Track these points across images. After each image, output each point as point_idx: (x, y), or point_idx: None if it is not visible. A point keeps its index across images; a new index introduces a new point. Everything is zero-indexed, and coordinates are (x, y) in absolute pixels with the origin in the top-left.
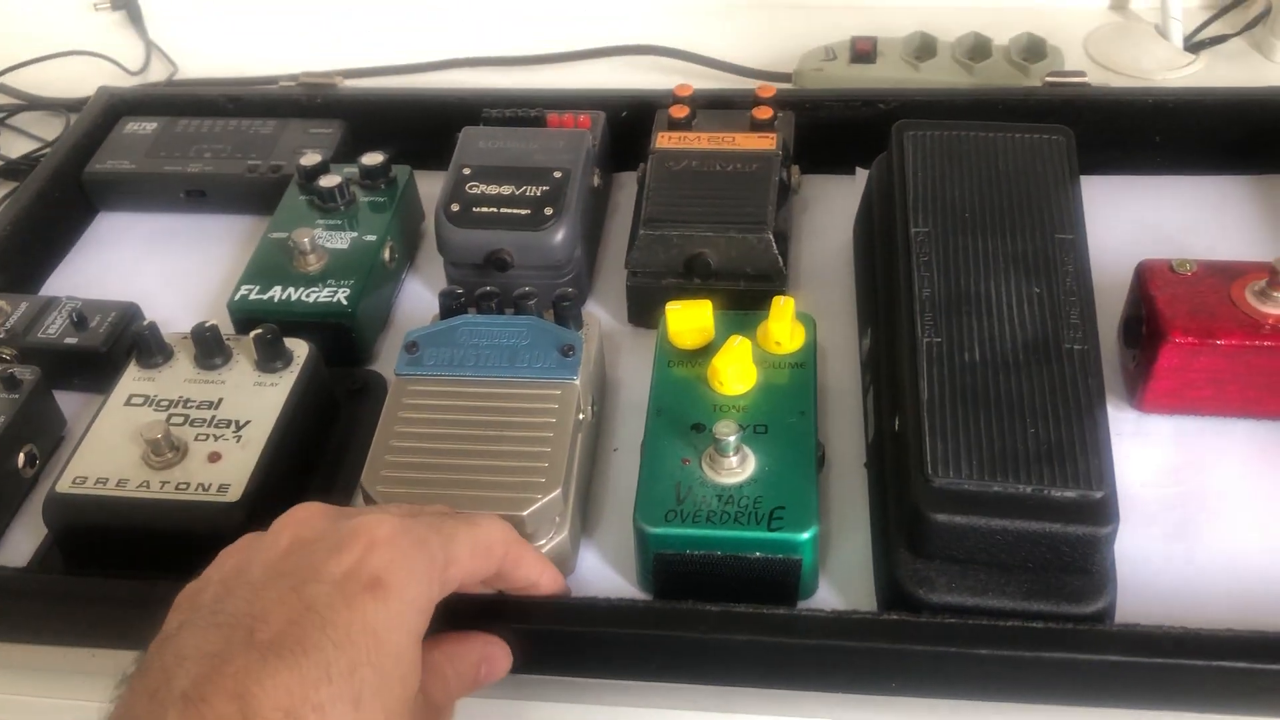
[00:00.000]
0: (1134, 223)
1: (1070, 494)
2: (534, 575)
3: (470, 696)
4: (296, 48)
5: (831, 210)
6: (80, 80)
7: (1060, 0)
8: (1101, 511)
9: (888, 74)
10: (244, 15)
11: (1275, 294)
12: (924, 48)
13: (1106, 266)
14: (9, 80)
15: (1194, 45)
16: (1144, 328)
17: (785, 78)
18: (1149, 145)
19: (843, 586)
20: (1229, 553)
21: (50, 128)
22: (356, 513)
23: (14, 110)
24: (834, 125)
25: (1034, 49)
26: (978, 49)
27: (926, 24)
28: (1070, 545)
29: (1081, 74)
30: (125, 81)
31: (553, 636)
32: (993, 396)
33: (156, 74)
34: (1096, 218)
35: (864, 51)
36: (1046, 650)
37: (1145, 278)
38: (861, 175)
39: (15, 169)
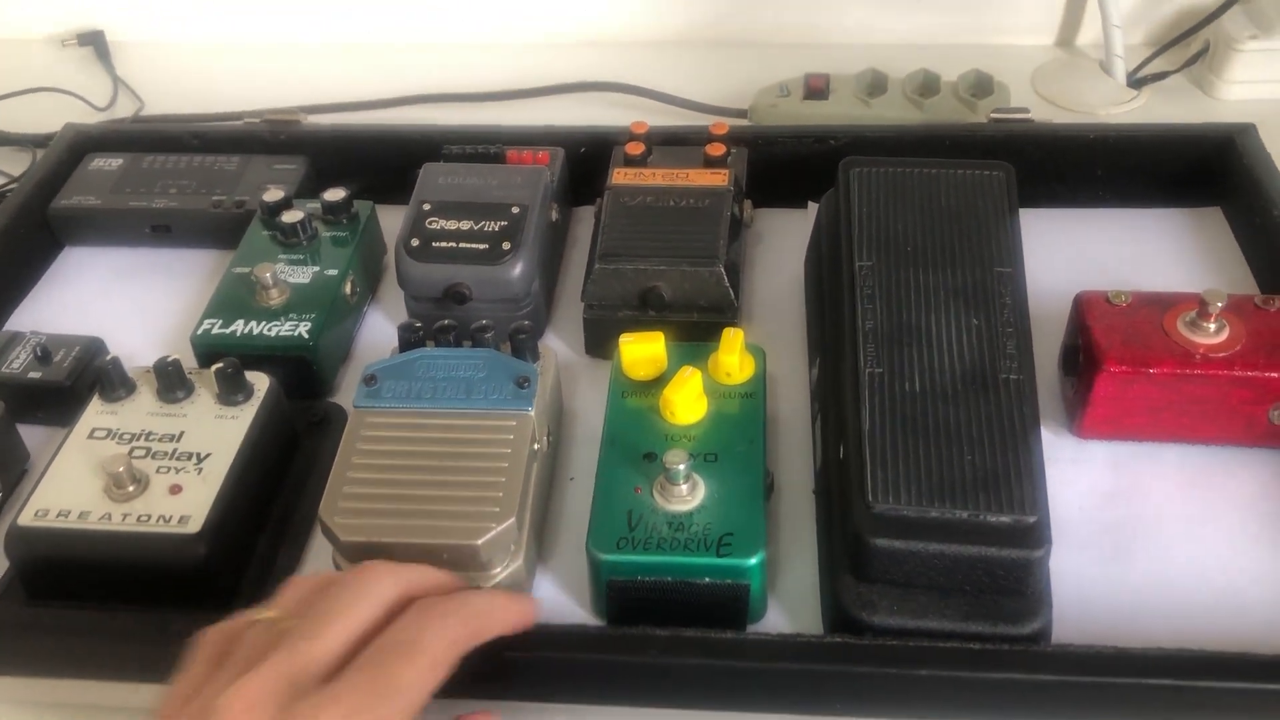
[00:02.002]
0: (1076, 255)
1: (1005, 519)
2: (508, 624)
3: None
4: (261, 84)
5: (784, 244)
6: (47, 116)
7: (1007, 36)
8: (1034, 535)
9: (840, 110)
10: (210, 52)
11: (1204, 324)
12: (875, 84)
13: (1048, 297)
14: None
15: (1136, 81)
16: (1081, 357)
17: (741, 113)
18: (1092, 179)
19: (791, 610)
20: (1163, 573)
21: (16, 163)
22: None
23: None
24: (787, 160)
25: (982, 85)
26: (927, 85)
27: (878, 61)
28: (1005, 568)
29: (1025, 110)
30: (92, 117)
31: (506, 662)
32: (931, 425)
33: (123, 110)
34: (1040, 250)
35: (817, 88)
36: (984, 671)
37: (1083, 309)
38: (813, 209)
39: None
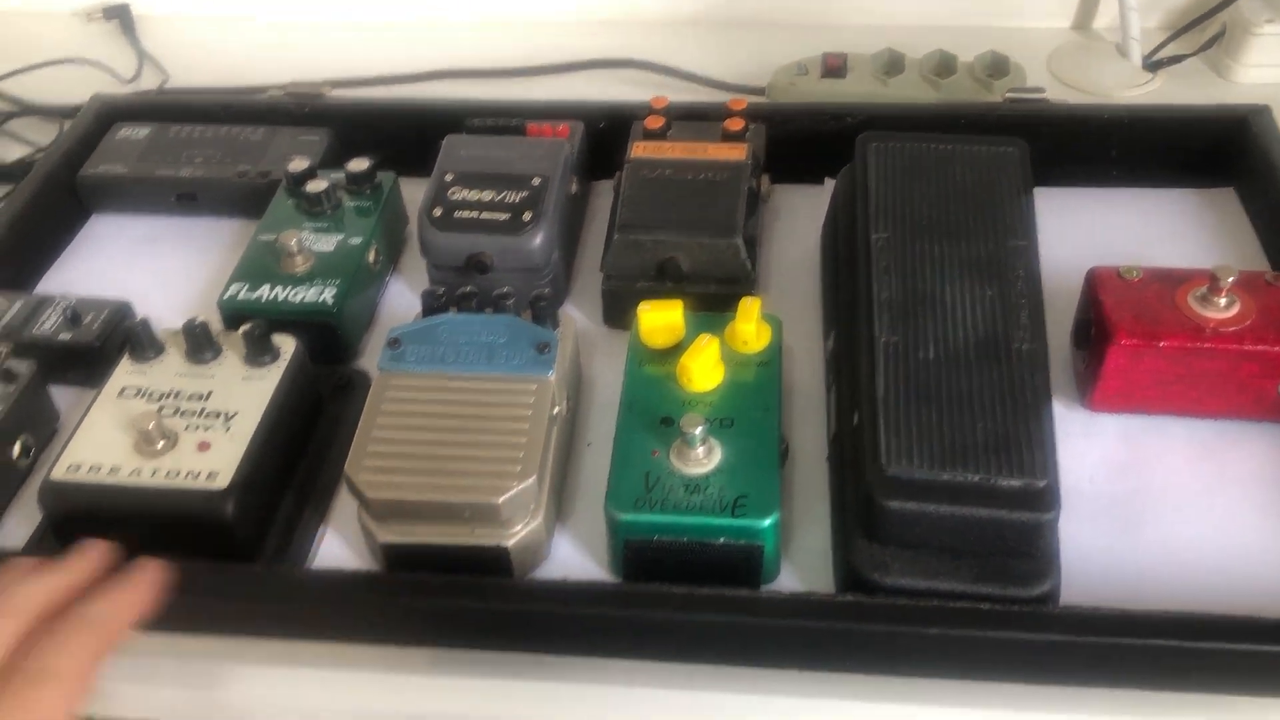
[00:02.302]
0: (1089, 234)
1: (1015, 483)
2: (133, 618)
3: (443, 675)
4: (284, 59)
5: (801, 218)
6: (75, 87)
7: (1024, 20)
8: (1044, 499)
9: (857, 89)
10: (234, 27)
11: (1215, 299)
12: (892, 64)
13: (1061, 274)
14: (5, 87)
15: (1152, 64)
16: (1093, 330)
17: (759, 91)
18: (1106, 159)
19: (804, 572)
20: (1170, 544)
21: (45, 133)
22: None
23: (9, 116)
24: (804, 137)
25: (997, 66)
26: (943, 66)
27: (895, 42)
28: (1015, 530)
29: (1041, 90)
30: (118, 89)
31: (525, 616)
32: (945, 392)
33: (148, 82)
34: (1054, 228)
35: (835, 67)
36: (993, 630)
37: (1094, 284)
38: (829, 185)
39: (11, 173)
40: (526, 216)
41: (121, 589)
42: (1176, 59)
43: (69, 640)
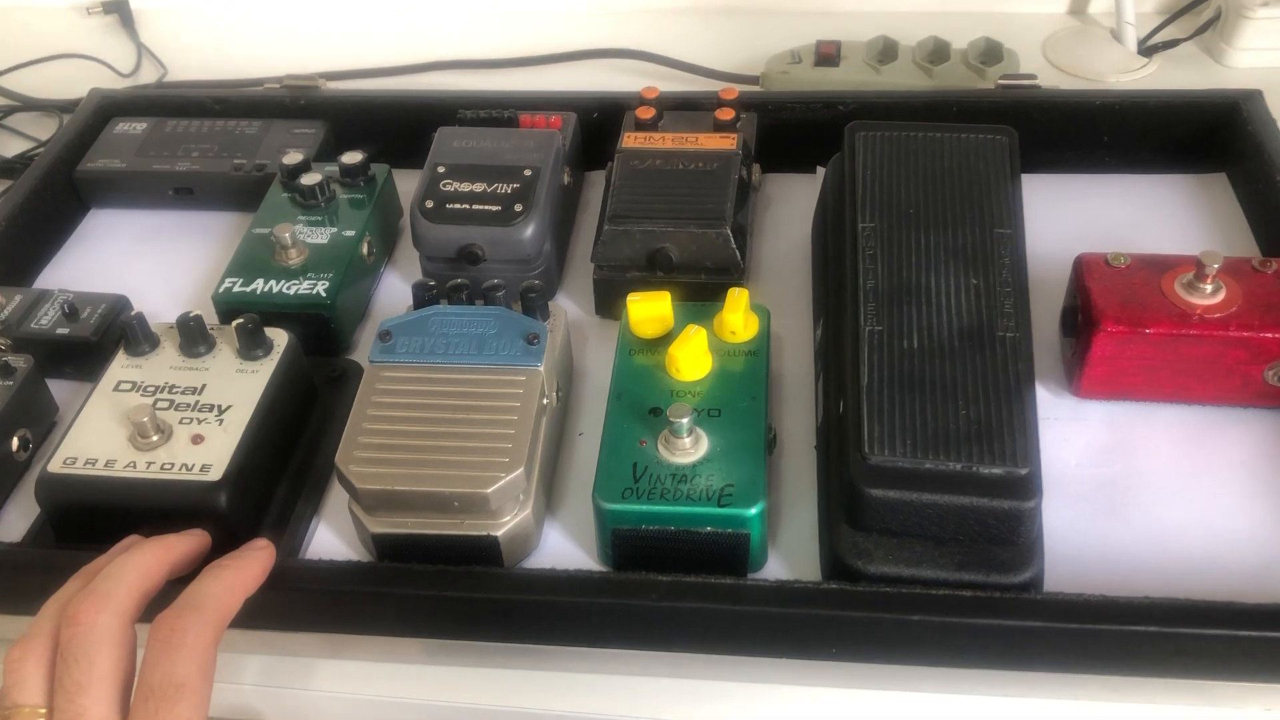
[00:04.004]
0: (1081, 220)
1: (997, 470)
2: (253, 586)
3: (433, 664)
4: (281, 51)
5: (793, 207)
6: (73, 82)
7: (1019, 5)
8: (1025, 487)
9: (850, 77)
10: (231, 20)
11: (1202, 286)
12: (886, 51)
13: (1052, 261)
14: (4, 82)
15: (1147, 49)
16: (1079, 317)
17: (753, 80)
18: (1097, 145)
19: (791, 560)
20: (1156, 529)
21: (44, 128)
22: None
23: (9, 111)
24: (796, 125)
25: (991, 52)
26: (937, 52)
27: (889, 28)
28: (997, 518)
29: (1032, 76)
30: (116, 83)
31: (514, 605)
32: (928, 381)
33: (147, 76)
34: (1045, 215)
35: (828, 55)
36: (975, 617)
37: (1082, 270)
38: (821, 174)
39: (10, 167)
40: (518, 208)
41: (229, 568)
42: (1171, 43)
43: (188, 637)
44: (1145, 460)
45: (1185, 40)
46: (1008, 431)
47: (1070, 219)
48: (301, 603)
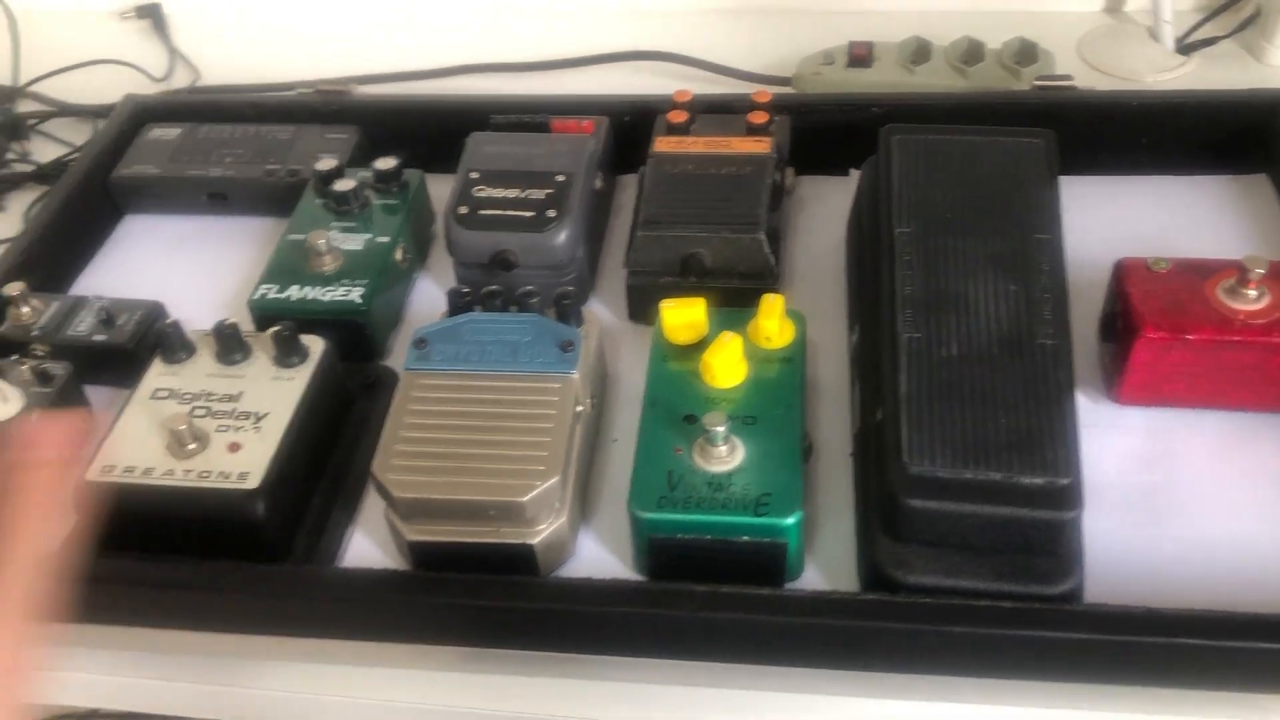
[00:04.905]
0: (1119, 222)
1: (1038, 480)
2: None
3: (469, 673)
4: (313, 56)
5: (826, 210)
6: (107, 88)
7: (1054, 4)
8: (1067, 497)
9: (884, 78)
10: (264, 25)
11: (1245, 291)
12: (919, 52)
13: (1091, 265)
14: (40, 88)
15: (1185, 47)
16: (1120, 323)
17: (785, 81)
18: (1136, 146)
19: (828, 570)
20: (1197, 539)
21: (79, 133)
22: None
23: (45, 117)
24: (829, 128)
25: (1026, 53)
26: (971, 53)
27: (922, 29)
28: (1037, 529)
29: (1069, 77)
30: (150, 88)
31: (549, 614)
32: (968, 389)
33: (180, 81)
34: (1083, 218)
35: (861, 56)
36: (1016, 628)
37: (1122, 275)
38: (855, 176)
39: (46, 174)
40: (551, 214)
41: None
42: (1210, 41)
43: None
44: (1187, 468)
45: (1224, 38)
46: (1048, 441)
47: (1107, 221)
48: (338, 611)
